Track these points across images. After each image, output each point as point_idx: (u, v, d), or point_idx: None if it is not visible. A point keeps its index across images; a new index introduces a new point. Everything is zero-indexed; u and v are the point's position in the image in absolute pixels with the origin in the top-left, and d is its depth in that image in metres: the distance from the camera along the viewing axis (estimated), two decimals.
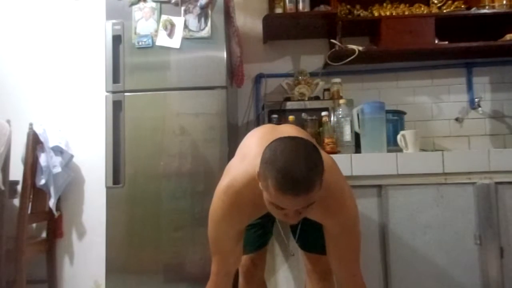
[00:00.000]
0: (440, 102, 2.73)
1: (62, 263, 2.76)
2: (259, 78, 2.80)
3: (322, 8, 2.54)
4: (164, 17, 2.27)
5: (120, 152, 2.24)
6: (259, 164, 1.18)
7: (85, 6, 2.88)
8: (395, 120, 2.37)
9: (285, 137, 1.20)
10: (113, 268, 2.21)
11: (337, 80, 2.58)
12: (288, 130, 1.52)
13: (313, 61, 2.78)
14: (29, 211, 2.43)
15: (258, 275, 1.69)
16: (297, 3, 2.53)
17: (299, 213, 1.18)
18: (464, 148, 2.67)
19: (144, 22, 2.28)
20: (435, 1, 2.60)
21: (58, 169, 2.53)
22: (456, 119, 2.70)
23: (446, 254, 1.91)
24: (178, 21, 2.26)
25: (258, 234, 1.63)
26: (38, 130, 2.53)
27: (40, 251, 2.63)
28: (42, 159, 2.51)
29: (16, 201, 2.49)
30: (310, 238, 1.59)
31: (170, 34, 2.26)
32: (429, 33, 2.44)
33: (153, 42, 2.26)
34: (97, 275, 2.63)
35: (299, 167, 1.10)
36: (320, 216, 1.35)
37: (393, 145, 2.18)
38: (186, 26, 2.25)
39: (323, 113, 2.32)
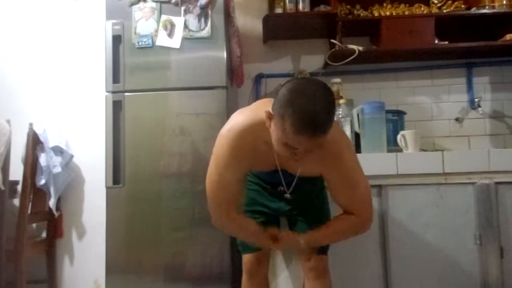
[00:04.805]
0: (440, 102, 2.73)
1: (62, 263, 2.76)
2: (259, 78, 2.80)
3: (322, 8, 2.54)
4: (164, 17, 2.26)
5: (120, 152, 2.24)
6: (261, 110, 1.25)
7: (85, 6, 2.88)
8: (395, 120, 2.37)
9: (301, 78, 1.24)
10: (113, 268, 2.21)
11: (337, 80, 2.58)
12: None
13: (313, 61, 2.78)
14: (29, 211, 2.42)
15: (262, 272, 1.68)
16: (297, 3, 2.52)
17: (307, 153, 1.21)
18: (464, 148, 2.67)
19: (144, 22, 2.28)
20: (435, 1, 2.60)
21: (58, 169, 2.53)
22: (456, 119, 2.70)
23: (446, 254, 1.91)
24: (178, 21, 2.26)
25: None
26: (38, 130, 2.53)
27: (40, 251, 2.62)
28: (42, 159, 2.51)
29: (16, 201, 2.49)
30: None
31: (170, 34, 2.25)
32: (429, 33, 2.44)
33: (153, 42, 2.26)
34: (97, 275, 2.63)
35: (318, 109, 1.15)
36: (319, 165, 1.37)
37: (393, 145, 2.18)
38: (186, 26, 2.25)
39: None
